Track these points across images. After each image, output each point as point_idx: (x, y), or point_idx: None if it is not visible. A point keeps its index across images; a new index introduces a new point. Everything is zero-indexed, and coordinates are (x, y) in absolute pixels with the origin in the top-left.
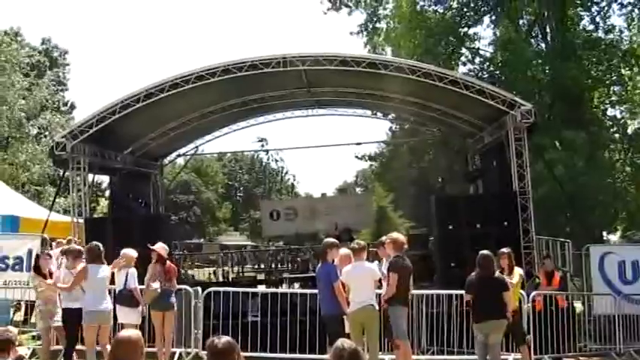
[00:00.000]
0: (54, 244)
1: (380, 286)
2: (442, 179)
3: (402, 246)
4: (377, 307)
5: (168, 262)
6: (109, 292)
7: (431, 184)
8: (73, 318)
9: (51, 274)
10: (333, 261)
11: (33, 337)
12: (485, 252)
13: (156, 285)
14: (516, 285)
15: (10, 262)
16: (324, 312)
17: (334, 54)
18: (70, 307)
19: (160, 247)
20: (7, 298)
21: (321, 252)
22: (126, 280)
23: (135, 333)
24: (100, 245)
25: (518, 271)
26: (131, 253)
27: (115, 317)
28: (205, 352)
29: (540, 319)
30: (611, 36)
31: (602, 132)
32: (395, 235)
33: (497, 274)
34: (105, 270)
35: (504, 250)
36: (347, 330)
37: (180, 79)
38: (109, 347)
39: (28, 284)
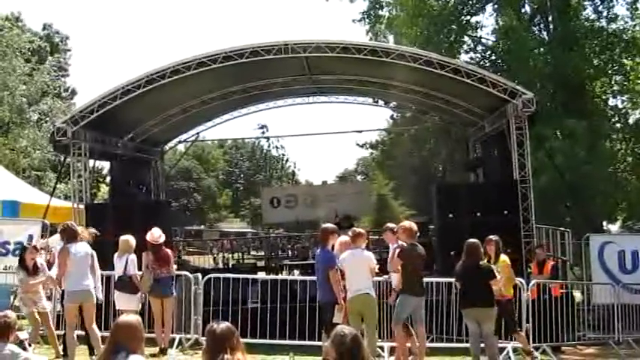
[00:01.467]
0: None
1: (377, 274)
2: (443, 168)
3: (415, 234)
4: (374, 295)
5: (163, 247)
6: (109, 279)
7: (432, 173)
8: None
9: (35, 268)
10: (333, 247)
11: None
12: (472, 240)
13: (147, 274)
14: (504, 272)
15: (11, 247)
16: (319, 298)
17: (336, 41)
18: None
19: (150, 235)
20: (8, 283)
21: (321, 237)
22: (125, 266)
23: (135, 318)
24: (75, 224)
25: (503, 259)
26: (130, 239)
27: (114, 303)
28: (205, 338)
29: (540, 308)
30: (613, 25)
31: (603, 122)
32: (407, 223)
33: (483, 262)
34: (83, 247)
35: (492, 237)
36: (335, 319)
37: (181, 66)
38: (94, 328)
39: None
